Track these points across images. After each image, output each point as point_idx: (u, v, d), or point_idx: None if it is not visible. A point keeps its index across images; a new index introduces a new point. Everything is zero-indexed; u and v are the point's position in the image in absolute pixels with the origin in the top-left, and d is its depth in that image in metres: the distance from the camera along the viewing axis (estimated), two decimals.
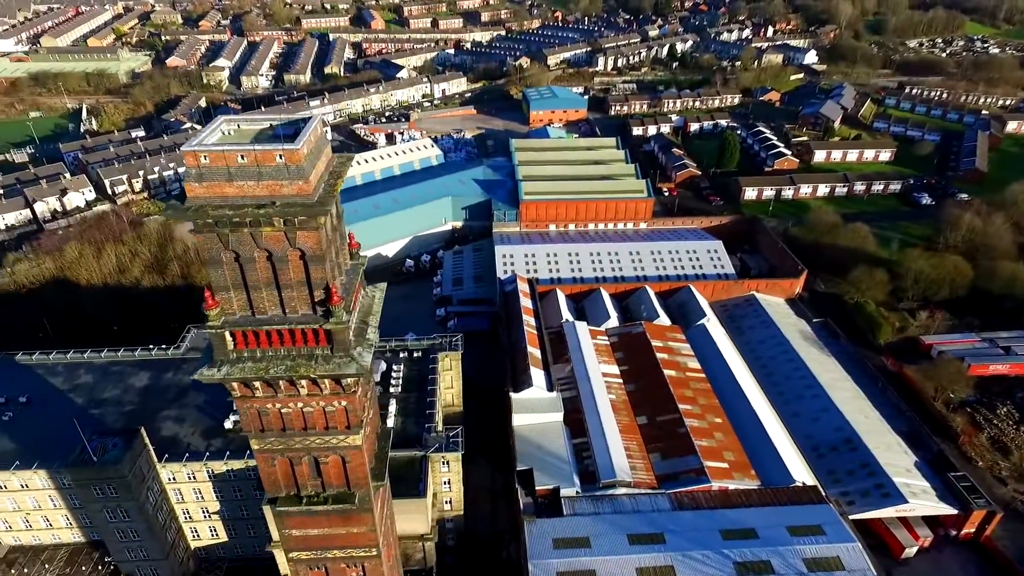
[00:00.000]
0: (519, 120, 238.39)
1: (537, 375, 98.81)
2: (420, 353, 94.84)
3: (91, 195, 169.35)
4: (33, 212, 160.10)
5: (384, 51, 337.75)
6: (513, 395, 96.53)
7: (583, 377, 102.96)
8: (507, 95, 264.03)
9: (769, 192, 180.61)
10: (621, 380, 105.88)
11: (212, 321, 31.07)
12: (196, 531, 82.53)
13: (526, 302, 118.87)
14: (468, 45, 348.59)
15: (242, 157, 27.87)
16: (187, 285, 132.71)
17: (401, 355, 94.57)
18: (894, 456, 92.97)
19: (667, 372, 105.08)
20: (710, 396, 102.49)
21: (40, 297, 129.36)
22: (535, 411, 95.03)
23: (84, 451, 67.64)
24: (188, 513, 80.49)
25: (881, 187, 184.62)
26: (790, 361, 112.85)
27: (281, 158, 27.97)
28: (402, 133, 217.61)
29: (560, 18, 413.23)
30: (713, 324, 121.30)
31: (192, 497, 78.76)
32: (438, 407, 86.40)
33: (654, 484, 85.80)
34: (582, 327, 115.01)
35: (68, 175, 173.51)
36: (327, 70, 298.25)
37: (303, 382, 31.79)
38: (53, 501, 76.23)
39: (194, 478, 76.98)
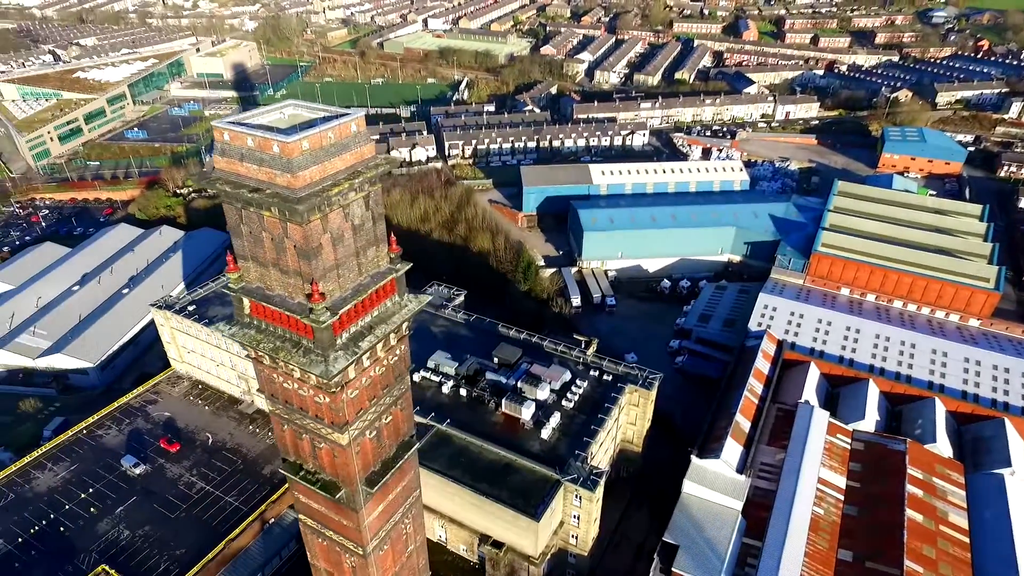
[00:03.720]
0: (865, 160, 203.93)
1: (731, 449, 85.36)
2: (611, 377, 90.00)
3: (432, 152, 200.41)
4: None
5: (744, 63, 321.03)
6: (694, 459, 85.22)
7: (792, 472, 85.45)
8: (863, 130, 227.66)
9: None
10: (841, 497, 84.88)
11: (232, 284, 33.85)
12: None
13: (762, 364, 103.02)
14: (843, 68, 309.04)
15: (251, 141, 29.11)
16: (464, 247, 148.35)
17: (592, 372, 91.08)
18: None
19: (911, 514, 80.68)
20: (963, 571, 75.63)
21: None
22: (712, 487, 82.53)
23: None
24: None
25: None
26: None
27: (277, 148, 28.39)
28: (720, 150, 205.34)
29: (985, 48, 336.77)
30: (1020, 480, 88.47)
31: None
32: (601, 438, 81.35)
33: None
34: (821, 416, 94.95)
35: (424, 133, 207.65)
36: (677, 75, 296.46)
37: (294, 366, 32.76)
38: None
39: None
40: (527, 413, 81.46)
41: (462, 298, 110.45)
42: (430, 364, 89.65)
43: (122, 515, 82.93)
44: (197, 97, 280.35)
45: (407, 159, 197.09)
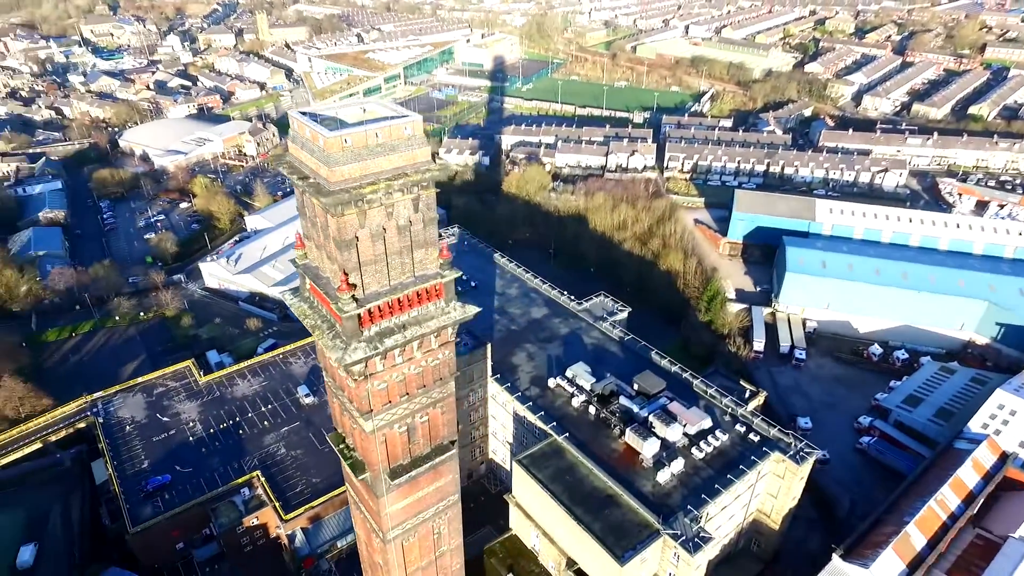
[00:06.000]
0: None
1: (888, 562, 70.95)
2: (758, 438, 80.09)
3: (650, 162, 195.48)
4: (605, 161, 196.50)
5: None
6: (836, 559, 72.70)
7: None
8: None
9: None
10: None
11: (298, 259, 36.12)
12: (495, 449, 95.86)
13: (968, 475, 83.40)
14: None
15: (307, 132, 30.38)
16: (652, 263, 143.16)
17: (738, 426, 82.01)
18: None
19: None
20: None
21: (560, 221, 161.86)
22: None
23: None
24: (495, 429, 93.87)
25: None
26: None
27: (322, 142, 29.19)
28: (1002, 206, 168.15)
29: None
30: None
31: (500, 416, 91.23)
32: (724, 501, 73.25)
33: None
34: None
35: (648, 141, 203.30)
36: (973, 109, 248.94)
37: (323, 346, 34.22)
38: None
39: (504, 406, 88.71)
40: (648, 450, 76.24)
41: (624, 315, 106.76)
42: (568, 374, 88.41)
43: (284, 434, 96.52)
44: (456, 83, 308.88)
45: (623, 165, 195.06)
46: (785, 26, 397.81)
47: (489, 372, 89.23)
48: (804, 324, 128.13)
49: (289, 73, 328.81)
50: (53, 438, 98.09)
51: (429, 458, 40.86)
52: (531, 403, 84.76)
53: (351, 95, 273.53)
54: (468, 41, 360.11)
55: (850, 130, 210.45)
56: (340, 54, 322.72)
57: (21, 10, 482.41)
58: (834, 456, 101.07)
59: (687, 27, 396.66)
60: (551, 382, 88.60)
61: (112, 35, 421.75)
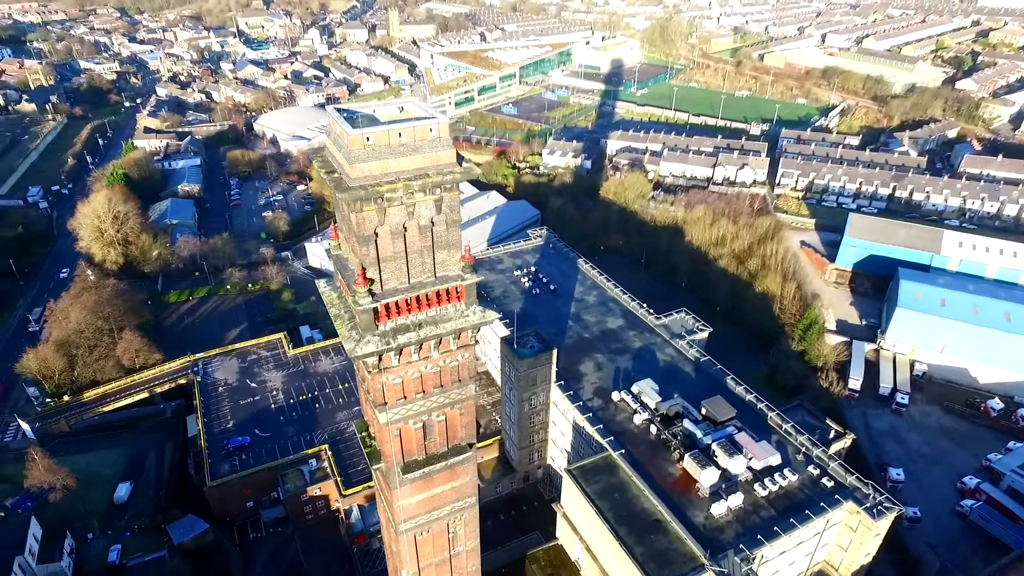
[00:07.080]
0: None
1: None
2: (832, 483, 73.91)
3: (761, 176, 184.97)
4: (712, 173, 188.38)
5: None
6: None
7: None
8: None
9: None
10: None
11: (332, 249, 37.14)
12: (554, 455, 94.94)
13: None
14: None
15: (337, 128, 30.97)
16: (748, 284, 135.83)
17: (811, 468, 76.05)
18: None
19: None
20: None
21: (655, 231, 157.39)
22: None
23: (511, 339, 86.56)
24: (555, 436, 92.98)
25: None
26: None
27: (345, 139, 29.61)
28: None
29: None
30: None
31: (560, 423, 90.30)
32: (783, 546, 68.32)
33: None
34: None
35: (762, 155, 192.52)
36: None
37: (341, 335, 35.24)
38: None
39: (564, 413, 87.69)
40: (706, 479, 72.44)
41: (704, 335, 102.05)
42: (634, 389, 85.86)
43: (355, 413, 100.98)
44: (570, 85, 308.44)
45: (731, 178, 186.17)
46: (939, 37, 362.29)
47: (553, 377, 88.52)
48: (912, 366, 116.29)
49: (412, 68, 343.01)
50: (159, 390, 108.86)
51: (445, 457, 41.17)
52: (591, 414, 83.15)
53: (466, 92, 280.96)
54: (587, 43, 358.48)
55: (1000, 156, 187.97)
56: (461, 52, 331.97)
57: (192, 3, 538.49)
58: (928, 515, 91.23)
59: (824, 36, 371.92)
60: (615, 395, 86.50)
61: (263, 27, 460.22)
